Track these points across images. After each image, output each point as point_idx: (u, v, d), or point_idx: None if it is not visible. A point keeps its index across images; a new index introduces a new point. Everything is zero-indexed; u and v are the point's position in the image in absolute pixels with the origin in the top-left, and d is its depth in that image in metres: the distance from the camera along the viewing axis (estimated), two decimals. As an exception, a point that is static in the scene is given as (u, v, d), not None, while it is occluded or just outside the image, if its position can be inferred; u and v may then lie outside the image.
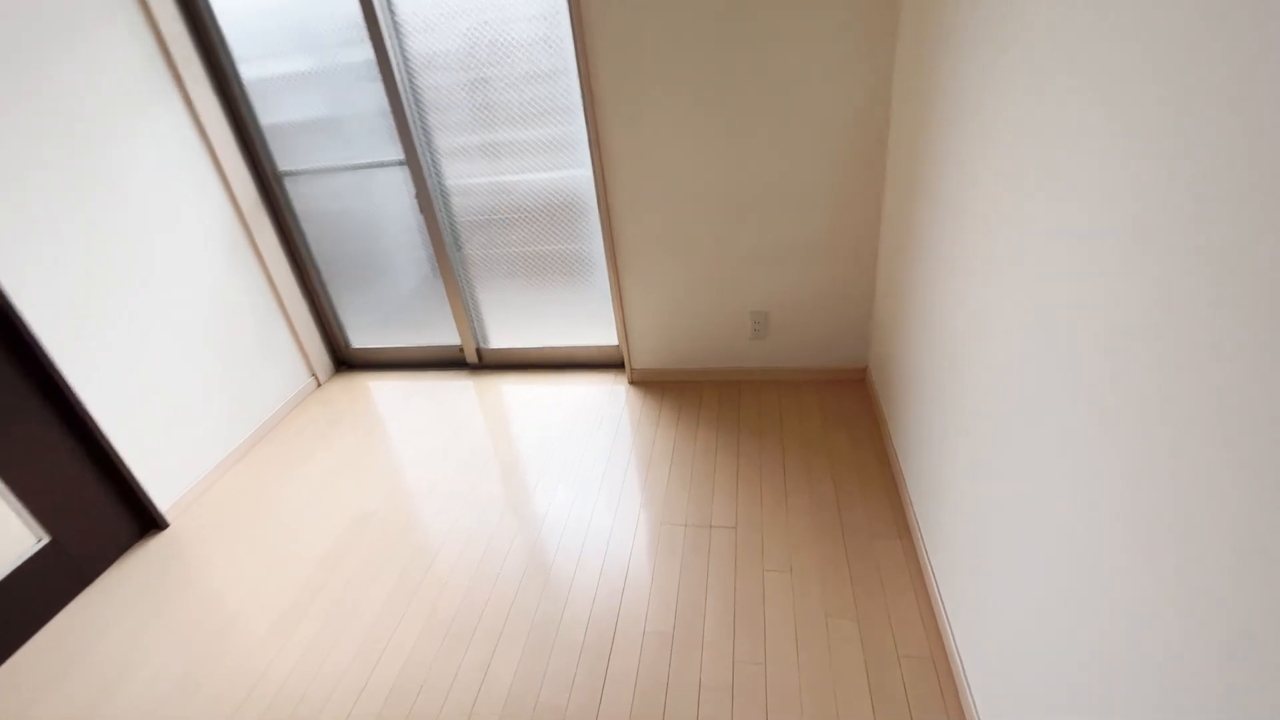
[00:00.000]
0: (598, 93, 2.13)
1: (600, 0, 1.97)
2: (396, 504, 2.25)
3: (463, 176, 2.57)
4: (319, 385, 3.05)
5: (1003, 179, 1.16)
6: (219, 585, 2.01)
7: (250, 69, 2.51)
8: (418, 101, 2.43)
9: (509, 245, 2.69)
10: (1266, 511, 0.57)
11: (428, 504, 2.23)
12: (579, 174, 2.46)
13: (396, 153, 2.55)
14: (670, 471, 2.21)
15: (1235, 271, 0.60)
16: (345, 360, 3.19)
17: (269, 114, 2.60)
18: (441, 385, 2.95)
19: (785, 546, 1.84)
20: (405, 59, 2.35)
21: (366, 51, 2.35)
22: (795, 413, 2.41)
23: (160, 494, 2.25)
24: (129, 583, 2.06)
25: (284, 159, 2.69)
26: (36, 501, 1.92)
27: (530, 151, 2.45)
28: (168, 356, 2.30)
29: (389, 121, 2.48)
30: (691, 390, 2.64)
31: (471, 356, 2.99)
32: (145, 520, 2.23)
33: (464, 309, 2.86)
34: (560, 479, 2.25)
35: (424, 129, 2.48)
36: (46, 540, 1.95)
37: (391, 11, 2.26)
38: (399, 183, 2.63)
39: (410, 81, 2.39)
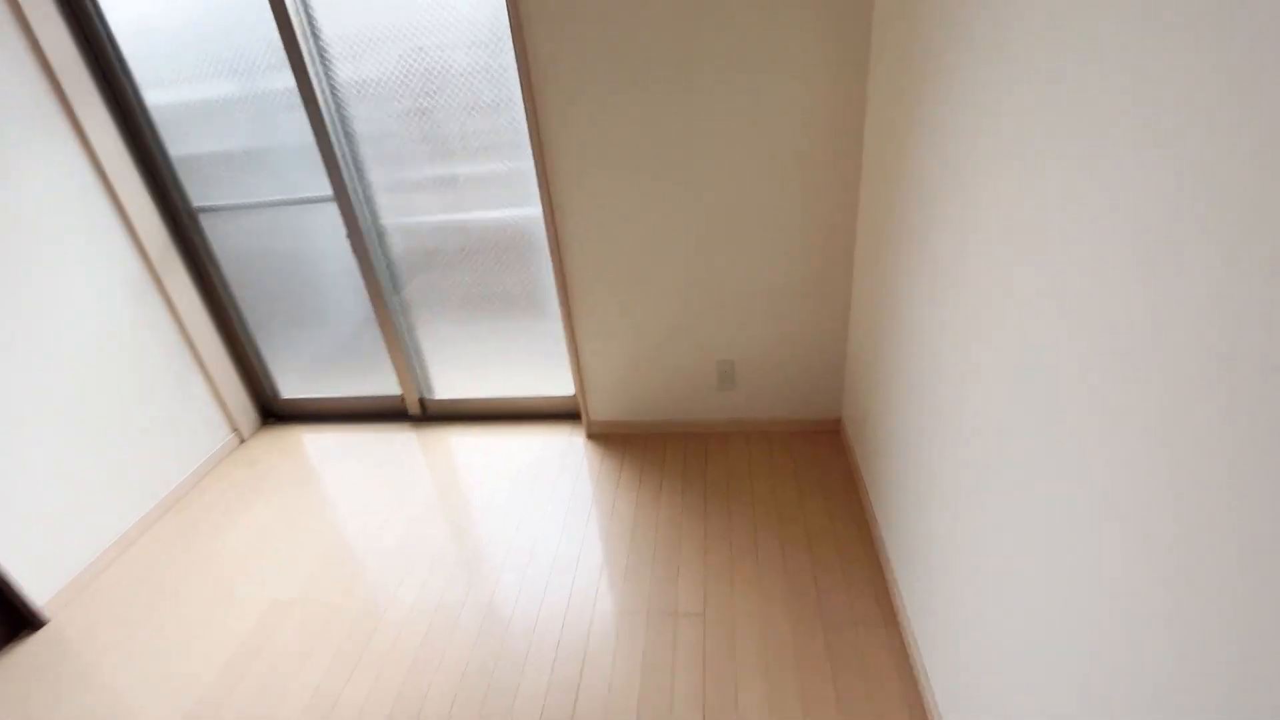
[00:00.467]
0: (545, 127, 1.94)
1: (546, 29, 1.79)
2: (329, 575, 1.97)
3: (401, 214, 2.34)
4: (242, 441, 2.74)
5: (990, 231, 0.99)
6: (108, 689, 1.71)
7: (158, 95, 2.24)
8: (347, 133, 2.20)
9: (454, 289, 2.46)
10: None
11: (364, 574, 1.96)
12: (528, 212, 2.25)
13: (322, 189, 2.31)
14: (632, 544, 1.98)
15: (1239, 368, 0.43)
16: (274, 412, 2.89)
17: (182, 145, 2.33)
18: (382, 438, 2.69)
19: (759, 639, 1.63)
20: (332, 87, 2.12)
21: (290, 77, 2.11)
22: (766, 472, 2.22)
23: (36, 586, 1.93)
24: (-9, 698, 1.74)
25: (200, 194, 2.42)
26: None
27: (476, 187, 2.24)
28: (45, 430, 1.99)
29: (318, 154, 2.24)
30: (655, 445, 2.43)
31: (414, 408, 2.73)
32: (14, 620, 1.91)
33: (405, 356, 2.61)
34: (511, 552, 2.00)
35: (355, 163, 2.25)
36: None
37: (315, 36, 2.04)
38: (332, 219, 2.39)
39: (339, 111, 2.16)
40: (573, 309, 2.26)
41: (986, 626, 1.11)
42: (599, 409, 2.48)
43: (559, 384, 2.60)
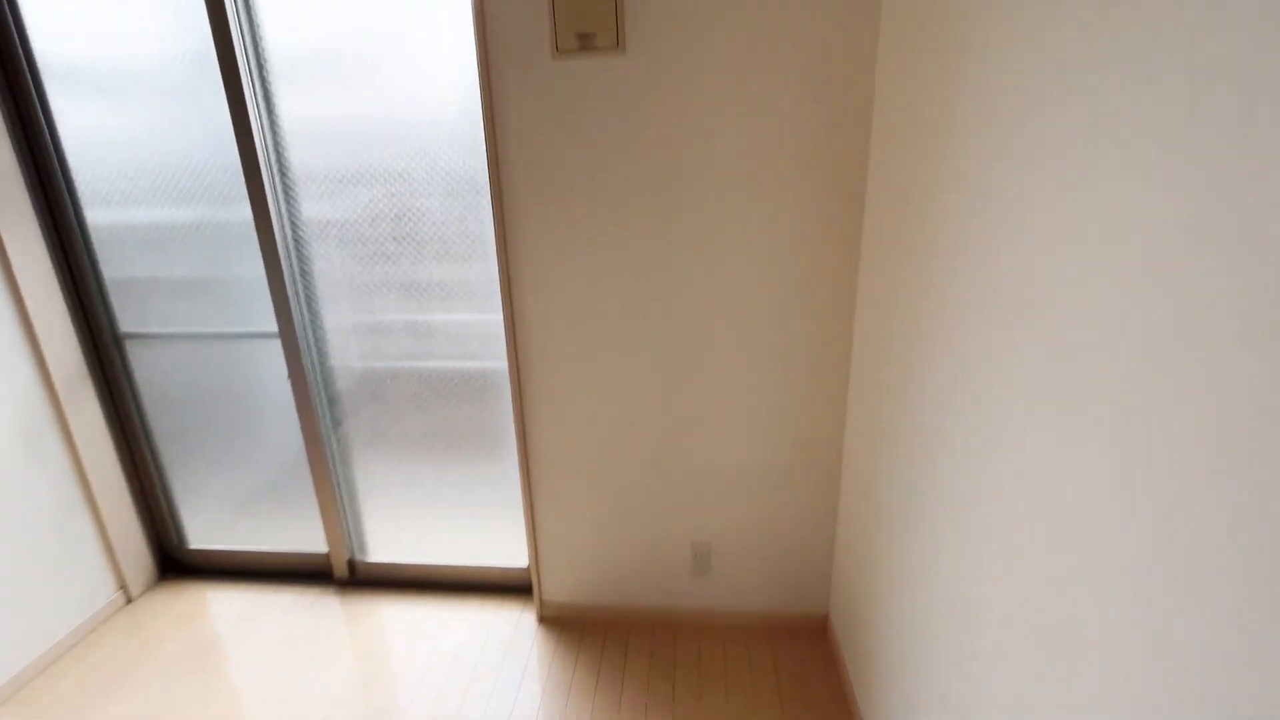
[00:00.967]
0: (517, 280, 1.79)
1: (523, 192, 1.69)
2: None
3: (354, 357, 2.13)
4: (129, 601, 2.32)
5: (1003, 411, 0.80)
6: None
7: (102, 214, 2.07)
8: (304, 271, 2.03)
9: (400, 430, 2.21)
10: None
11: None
12: (493, 365, 2.06)
13: (271, 324, 2.10)
14: (580, 781, 1.61)
15: None
16: (176, 563, 2.49)
17: (118, 267, 2.13)
18: (301, 603, 2.30)
19: None
20: (294, 223, 1.98)
21: (249, 210, 1.96)
22: (744, 679, 1.90)
23: None
24: None
25: (133, 319, 2.19)
26: None
27: (438, 338, 2.06)
28: None
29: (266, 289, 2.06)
30: (616, 634, 2.10)
31: (341, 570, 2.36)
32: None
33: (335, 505, 2.29)
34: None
35: (309, 302, 2.06)
36: None
37: (281, 171, 1.92)
38: (275, 356, 2.16)
39: (297, 249, 2.00)
40: (532, 473, 2.02)
41: None
42: (555, 587, 2.16)
43: (510, 552, 2.29)
